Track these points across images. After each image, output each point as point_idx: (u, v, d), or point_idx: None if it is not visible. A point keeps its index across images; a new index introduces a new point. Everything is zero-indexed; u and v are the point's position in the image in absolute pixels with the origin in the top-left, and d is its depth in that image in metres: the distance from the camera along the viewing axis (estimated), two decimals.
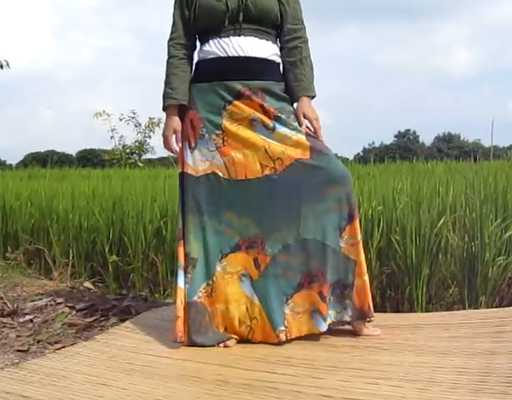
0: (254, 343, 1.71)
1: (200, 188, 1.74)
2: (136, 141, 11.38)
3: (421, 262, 2.32)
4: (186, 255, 1.73)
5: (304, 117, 1.74)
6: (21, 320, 2.27)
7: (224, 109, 1.72)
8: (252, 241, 1.73)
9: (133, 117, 11.15)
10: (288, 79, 1.79)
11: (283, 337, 1.68)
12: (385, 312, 2.32)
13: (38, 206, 3.76)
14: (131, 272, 3.03)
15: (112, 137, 10.90)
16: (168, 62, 1.81)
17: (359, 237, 1.71)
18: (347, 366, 1.48)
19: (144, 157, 11.54)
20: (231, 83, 1.71)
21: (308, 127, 1.75)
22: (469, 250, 2.33)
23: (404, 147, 37.37)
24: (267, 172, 1.70)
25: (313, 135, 1.73)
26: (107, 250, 3.11)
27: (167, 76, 1.80)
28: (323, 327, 1.69)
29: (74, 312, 2.36)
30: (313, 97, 1.80)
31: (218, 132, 1.73)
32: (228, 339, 1.72)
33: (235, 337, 1.73)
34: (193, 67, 1.83)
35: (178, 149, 1.79)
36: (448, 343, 1.60)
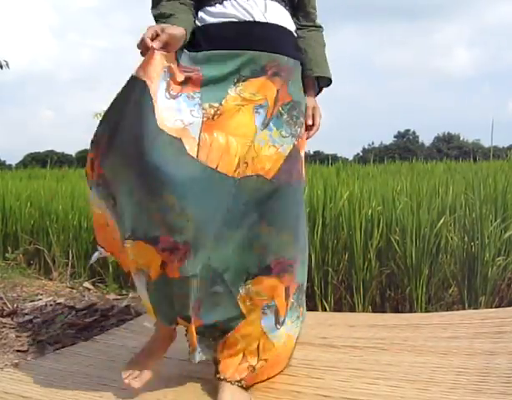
0: None
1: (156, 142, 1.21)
2: None
3: (421, 262, 2.32)
4: None
5: (313, 112, 1.49)
6: (20, 320, 2.27)
7: (235, 84, 1.32)
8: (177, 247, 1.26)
9: None
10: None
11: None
12: (385, 312, 2.32)
13: (38, 206, 3.76)
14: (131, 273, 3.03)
15: None
16: (160, 4, 1.34)
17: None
18: (346, 366, 1.48)
19: None
20: (256, 54, 1.33)
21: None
22: (468, 250, 2.33)
23: (404, 148, 37.41)
24: (238, 170, 1.30)
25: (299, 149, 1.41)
26: None
27: (159, 11, 1.33)
28: (274, 332, 1.39)
29: (74, 312, 2.36)
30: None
31: (214, 104, 1.30)
32: None
33: None
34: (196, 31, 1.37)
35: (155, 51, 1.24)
36: (447, 343, 1.60)
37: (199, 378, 1.45)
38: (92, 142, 1.33)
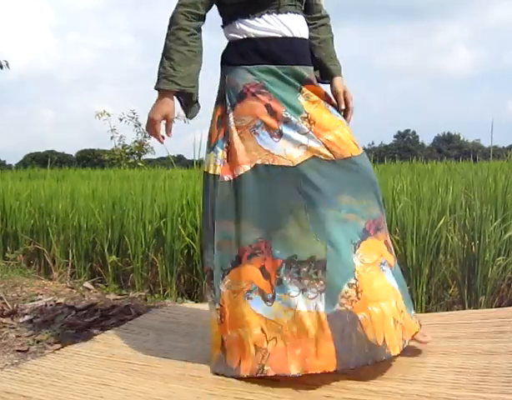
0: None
1: (301, 178, 1.40)
2: (136, 141, 11.40)
3: (421, 262, 2.32)
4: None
5: (344, 96, 1.59)
6: (20, 320, 2.27)
7: (300, 92, 1.47)
8: (377, 223, 1.46)
9: (133, 117, 11.17)
10: (321, 57, 1.61)
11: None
12: None
13: (38, 206, 3.76)
14: (130, 273, 3.03)
15: (112, 138, 10.93)
16: (172, 33, 1.45)
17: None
18: None
19: (144, 157, 11.55)
20: (298, 68, 1.48)
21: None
22: (468, 250, 2.33)
23: (404, 148, 37.41)
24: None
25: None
26: (106, 250, 3.12)
27: (168, 50, 1.44)
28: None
29: (74, 312, 2.36)
30: None
31: (303, 115, 1.45)
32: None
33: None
34: (235, 45, 1.50)
35: (162, 140, 1.50)
36: (447, 343, 1.60)
37: (199, 378, 1.45)
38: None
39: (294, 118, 1.44)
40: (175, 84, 1.44)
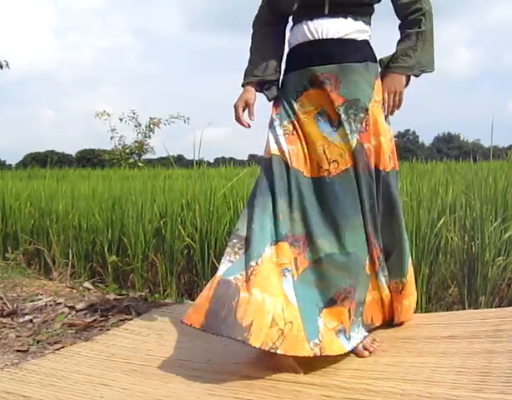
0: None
1: (270, 169, 1.59)
2: (136, 141, 11.38)
3: (421, 262, 2.32)
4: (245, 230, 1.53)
5: (388, 93, 1.64)
6: (20, 320, 2.27)
7: (297, 98, 1.63)
8: (295, 238, 1.55)
9: (133, 117, 11.16)
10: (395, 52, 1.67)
11: (317, 351, 1.43)
12: None
13: (38, 206, 3.76)
14: (130, 273, 3.03)
15: (112, 138, 10.92)
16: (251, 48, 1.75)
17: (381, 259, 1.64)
18: (346, 366, 1.48)
19: (144, 157, 11.54)
20: (311, 69, 1.60)
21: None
22: (468, 250, 2.33)
23: (404, 148, 37.36)
24: (321, 173, 1.59)
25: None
26: (106, 250, 3.12)
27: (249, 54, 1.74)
28: (349, 347, 1.52)
29: (74, 312, 2.36)
30: (417, 75, 1.68)
31: (291, 118, 1.63)
32: (244, 340, 1.34)
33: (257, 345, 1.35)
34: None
35: (247, 124, 1.69)
36: (447, 343, 1.60)
37: (199, 378, 1.45)
38: None
39: (279, 121, 1.63)
40: (252, 76, 1.70)
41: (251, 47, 1.75)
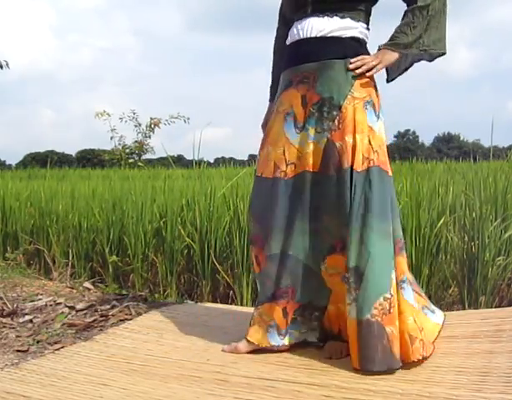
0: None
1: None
2: (136, 141, 11.37)
3: (421, 262, 2.32)
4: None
5: (369, 57, 1.58)
6: (20, 320, 2.27)
7: (279, 97, 1.67)
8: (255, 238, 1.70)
9: (133, 117, 11.14)
10: None
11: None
12: None
13: (38, 206, 3.76)
14: (131, 273, 3.03)
15: (112, 138, 10.90)
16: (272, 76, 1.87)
17: (340, 270, 1.53)
18: (346, 367, 1.48)
19: (144, 157, 11.52)
20: (294, 69, 1.62)
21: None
22: (468, 250, 2.33)
23: (404, 148, 37.36)
24: (277, 174, 1.59)
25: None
26: (106, 250, 3.12)
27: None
28: (277, 342, 1.62)
29: (74, 312, 2.35)
30: (430, 60, 1.61)
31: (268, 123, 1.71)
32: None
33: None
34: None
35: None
36: (447, 343, 1.60)
37: (199, 378, 1.45)
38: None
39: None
40: (270, 96, 1.84)
41: (272, 62, 1.86)
